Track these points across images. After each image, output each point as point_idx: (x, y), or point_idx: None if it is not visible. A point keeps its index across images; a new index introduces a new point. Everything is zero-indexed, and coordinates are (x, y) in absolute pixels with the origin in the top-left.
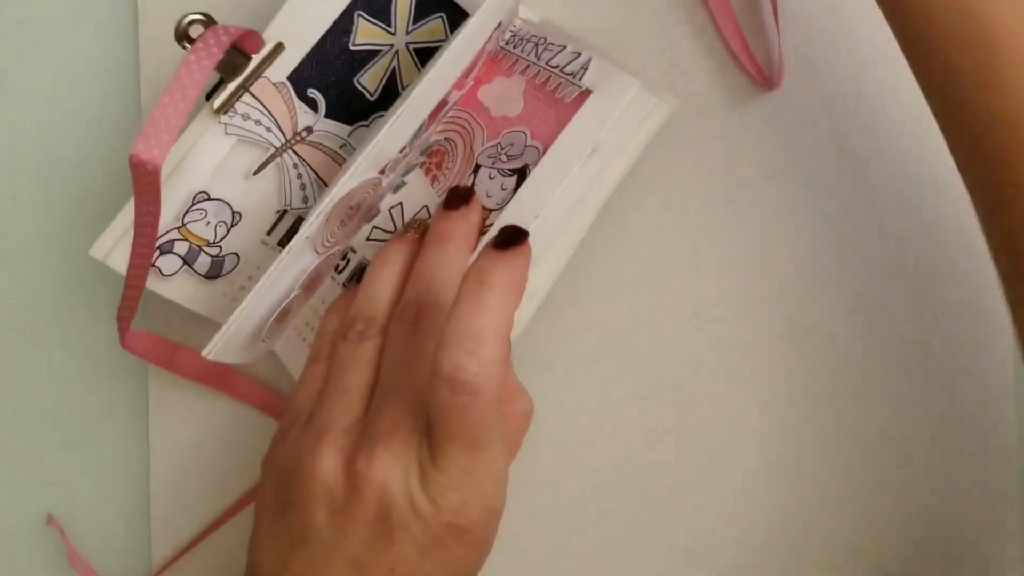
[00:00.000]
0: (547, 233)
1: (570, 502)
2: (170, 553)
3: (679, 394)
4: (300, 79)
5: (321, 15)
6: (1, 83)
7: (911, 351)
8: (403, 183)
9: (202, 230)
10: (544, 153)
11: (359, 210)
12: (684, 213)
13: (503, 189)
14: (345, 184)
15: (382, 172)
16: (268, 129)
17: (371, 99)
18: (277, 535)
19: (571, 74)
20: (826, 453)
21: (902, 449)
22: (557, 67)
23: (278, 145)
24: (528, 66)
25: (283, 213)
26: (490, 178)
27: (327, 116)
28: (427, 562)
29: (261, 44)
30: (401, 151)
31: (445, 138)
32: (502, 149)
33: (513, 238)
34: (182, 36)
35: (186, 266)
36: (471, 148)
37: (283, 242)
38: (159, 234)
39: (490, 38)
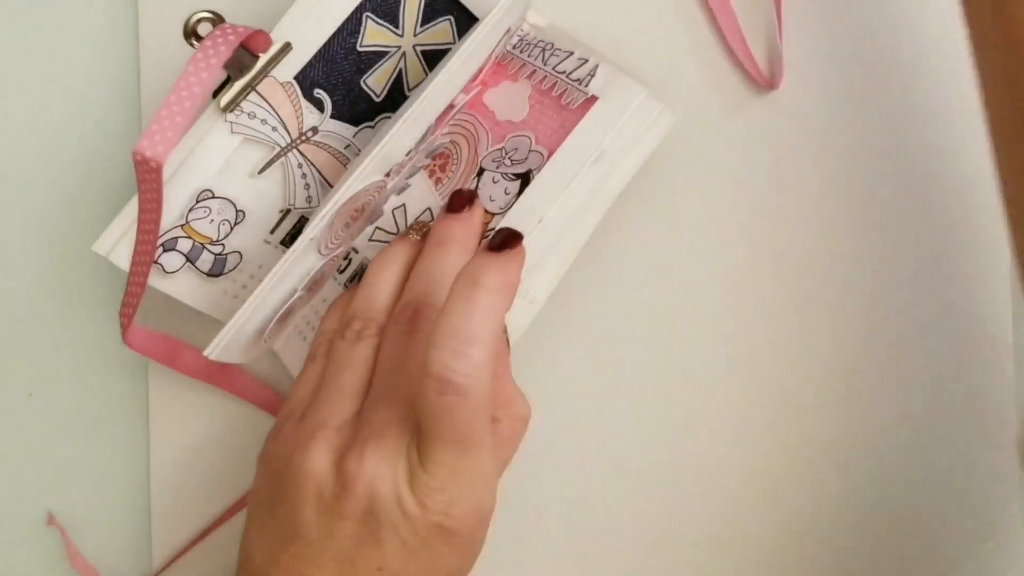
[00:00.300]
0: (550, 238)
1: (569, 505)
2: (171, 552)
3: (680, 398)
4: (307, 79)
5: (330, 15)
6: (0, 79)
7: (912, 350)
8: (407, 185)
9: (206, 228)
10: (548, 158)
11: (363, 212)
12: (687, 217)
13: (506, 193)
14: (351, 187)
15: (387, 175)
16: (274, 128)
17: (377, 100)
18: (268, 531)
19: (577, 80)
20: (826, 454)
21: (902, 449)
22: (564, 73)
23: (283, 144)
24: (535, 71)
25: (286, 212)
26: (494, 182)
27: (333, 117)
28: (415, 562)
29: (269, 43)
30: (407, 154)
31: (450, 141)
32: (506, 153)
33: (508, 241)
34: (190, 34)
35: (189, 263)
36: (475, 151)
37: (286, 241)
38: (163, 231)
39: (499, 43)
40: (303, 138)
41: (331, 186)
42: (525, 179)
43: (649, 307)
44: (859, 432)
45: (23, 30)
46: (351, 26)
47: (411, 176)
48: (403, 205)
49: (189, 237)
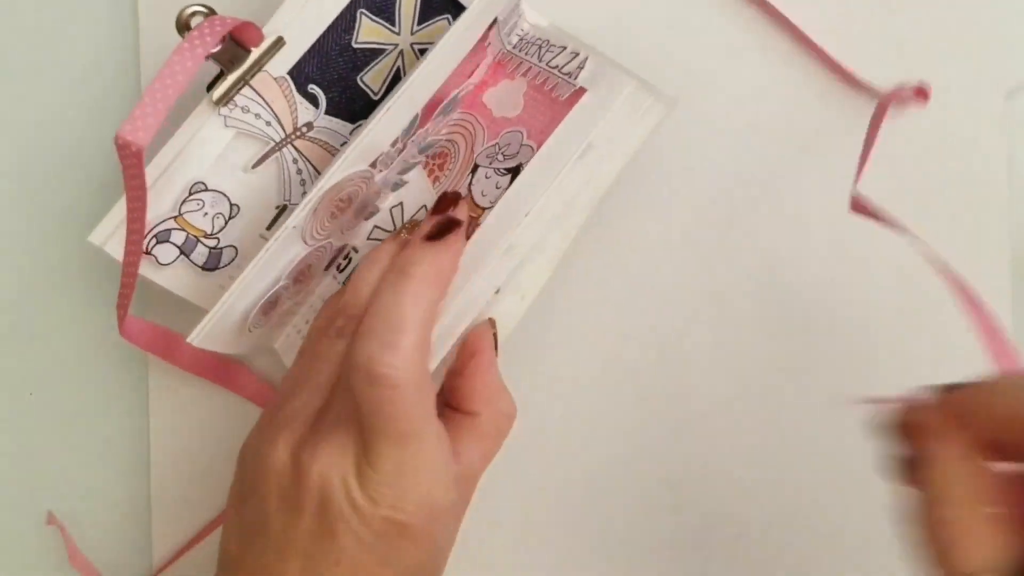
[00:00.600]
0: (538, 230)
1: (558, 503)
2: (171, 551)
3: (671, 394)
4: (301, 74)
5: (322, 11)
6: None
7: (910, 351)
8: (404, 182)
9: (199, 221)
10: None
11: (351, 204)
12: (679, 212)
13: (497, 188)
14: (333, 175)
15: (373, 165)
16: (268, 123)
17: (375, 98)
18: (240, 522)
19: (568, 73)
20: (825, 454)
21: None
22: (556, 67)
23: (278, 139)
24: (530, 68)
25: (283, 208)
26: (486, 177)
27: (328, 113)
28: (371, 555)
29: (261, 38)
30: (393, 145)
31: (449, 140)
32: (500, 149)
33: (444, 229)
34: (183, 27)
35: (183, 256)
36: (472, 149)
37: None
38: (156, 222)
39: (486, 36)
40: (298, 133)
41: None
42: (515, 173)
43: (639, 301)
44: (852, 430)
45: (23, 23)
46: (345, 22)
47: (405, 172)
48: (400, 203)
49: (183, 229)
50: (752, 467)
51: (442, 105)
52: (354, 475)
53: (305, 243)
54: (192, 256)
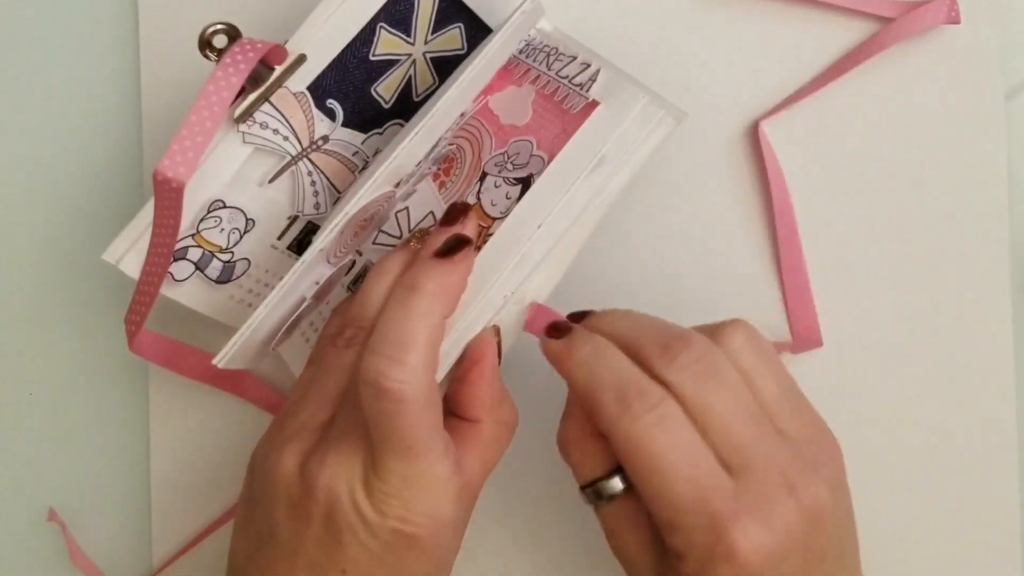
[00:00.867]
0: (548, 243)
1: (561, 510)
2: (171, 551)
3: None
4: (319, 89)
5: (344, 27)
6: (4, 88)
7: (912, 350)
8: (414, 190)
9: (216, 237)
10: (549, 163)
11: (372, 221)
12: (684, 223)
13: (507, 198)
14: (362, 199)
15: (397, 185)
16: (285, 138)
17: (386, 107)
18: (248, 529)
19: (579, 85)
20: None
21: (901, 449)
22: (566, 78)
23: (294, 153)
24: (538, 76)
25: (294, 219)
26: (495, 186)
27: (344, 125)
28: (378, 566)
29: (285, 56)
30: (417, 165)
31: (455, 145)
32: (508, 158)
33: (455, 247)
34: (205, 45)
35: (198, 271)
36: (479, 156)
37: (292, 247)
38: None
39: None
40: (314, 147)
41: (339, 192)
42: (526, 183)
43: (645, 311)
44: (858, 432)
45: (28, 43)
46: (365, 36)
47: (418, 183)
48: (406, 208)
49: (199, 246)
50: None
51: (462, 120)
52: (361, 486)
53: (329, 263)
54: (207, 271)
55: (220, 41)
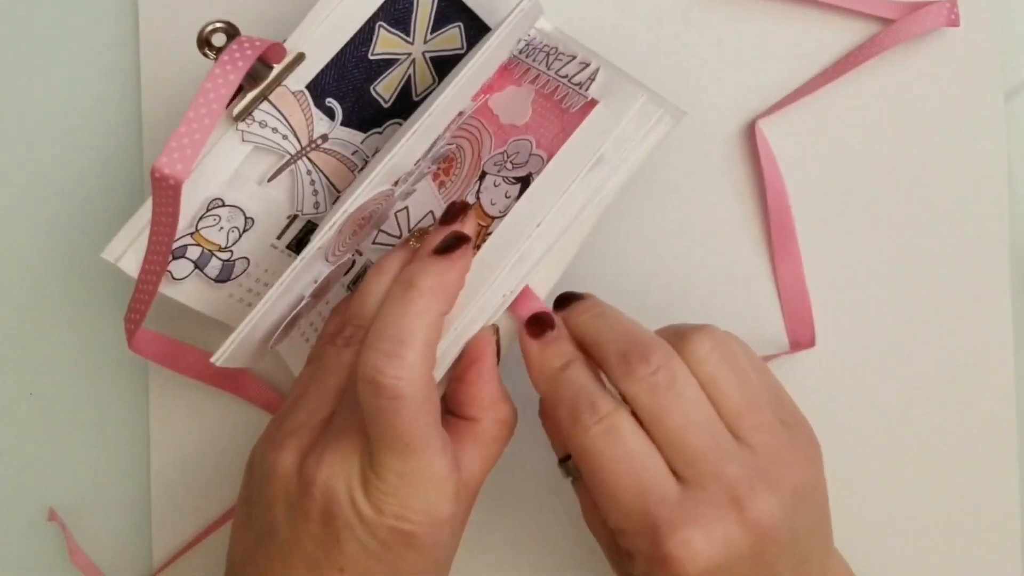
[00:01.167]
0: (547, 241)
1: (561, 509)
2: (171, 551)
3: None
4: (318, 88)
5: (342, 25)
6: (4, 88)
7: (911, 350)
8: (413, 190)
9: (215, 235)
10: (548, 162)
11: (371, 220)
12: (682, 222)
13: (507, 197)
14: (360, 197)
15: (395, 184)
16: (284, 137)
17: (385, 106)
18: (246, 527)
19: (578, 84)
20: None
21: (902, 449)
22: (566, 77)
23: (293, 152)
24: (538, 75)
25: (294, 218)
26: (495, 186)
27: (343, 124)
28: (378, 564)
29: (283, 54)
30: (416, 164)
31: (455, 145)
32: (508, 157)
33: (453, 244)
34: (204, 43)
35: (197, 270)
36: (479, 155)
37: (292, 246)
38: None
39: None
40: (313, 146)
41: (338, 191)
42: (525, 183)
43: (643, 310)
44: (857, 433)
45: (28, 43)
46: (363, 35)
47: (417, 182)
48: (406, 208)
49: (198, 245)
50: None
51: (460, 119)
52: (359, 484)
53: (327, 261)
54: (206, 270)
55: (219, 39)
